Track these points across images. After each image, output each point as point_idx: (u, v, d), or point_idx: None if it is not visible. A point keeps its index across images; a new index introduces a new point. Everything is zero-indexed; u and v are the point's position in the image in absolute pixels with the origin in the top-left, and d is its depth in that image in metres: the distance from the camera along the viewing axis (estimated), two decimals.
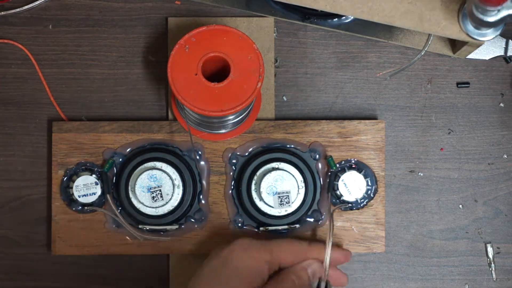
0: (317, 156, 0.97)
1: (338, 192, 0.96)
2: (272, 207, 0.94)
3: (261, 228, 0.96)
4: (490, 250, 0.99)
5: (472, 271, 0.99)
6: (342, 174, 0.96)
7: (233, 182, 0.97)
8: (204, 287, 0.87)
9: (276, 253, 0.90)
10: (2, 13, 0.99)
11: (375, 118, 0.99)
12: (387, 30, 0.98)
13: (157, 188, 0.94)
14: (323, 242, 0.92)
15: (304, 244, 0.91)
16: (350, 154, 0.97)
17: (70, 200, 0.96)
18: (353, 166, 0.97)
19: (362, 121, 0.97)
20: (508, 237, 0.99)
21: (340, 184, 0.96)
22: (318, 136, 0.97)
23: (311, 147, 0.97)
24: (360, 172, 0.96)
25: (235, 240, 0.90)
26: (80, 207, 0.96)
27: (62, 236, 0.96)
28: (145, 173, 0.94)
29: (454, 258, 0.99)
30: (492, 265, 0.99)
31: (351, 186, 0.96)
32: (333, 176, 0.96)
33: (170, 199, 0.94)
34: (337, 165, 0.97)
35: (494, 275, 0.99)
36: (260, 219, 0.96)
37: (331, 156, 0.97)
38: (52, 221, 0.96)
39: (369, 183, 0.97)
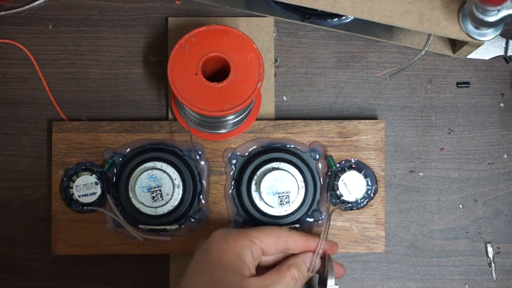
0: (317, 156, 0.97)
1: (338, 192, 0.96)
2: (272, 207, 0.94)
3: None
4: (490, 250, 0.99)
5: (472, 271, 0.99)
6: (342, 174, 0.96)
7: (233, 182, 0.97)
8: (193, 286, 0.87)
9: (256, 237, 0.89)
10: (2, 13, 0.99)
11: (375, 118, 0.99)
12: (387, 30, 0.98)
13: (157, 188, 0.94)
14: (302, 231, 0.93)
15: (284, 229, 0.91)
16: (350, 154, 0.97)
17: (70, 200, 0.96)
18: (353, 166, 0.97)
19: (362, 121, 0.97)
20: (508, 237, 0.99)
21: (340, 184, 0.96)
22: (318, 136, 0.97)
23: (311, 147, 0.97)
24: (360, 172, 0.96)
25: (212, 233, 0.90)
26: (80, 207, 0.96)
27: (62, 236, 0.96)
28: (145, 173, 0.94)
29: (454, 258, 0.99)
30: (492, 265, 0.99)
31: (351, 186, 0.96)
32: (333, 176, 0.96)
33: (170, 199, 0.94)
34: (337, 165, 0.97)
35: (494, 275, 0.99)
36: (260, 219, 0.96)
37: (331, 156, 0.97)
38: (52, 221, 0.96)
39: (369, 183, 0.97)
